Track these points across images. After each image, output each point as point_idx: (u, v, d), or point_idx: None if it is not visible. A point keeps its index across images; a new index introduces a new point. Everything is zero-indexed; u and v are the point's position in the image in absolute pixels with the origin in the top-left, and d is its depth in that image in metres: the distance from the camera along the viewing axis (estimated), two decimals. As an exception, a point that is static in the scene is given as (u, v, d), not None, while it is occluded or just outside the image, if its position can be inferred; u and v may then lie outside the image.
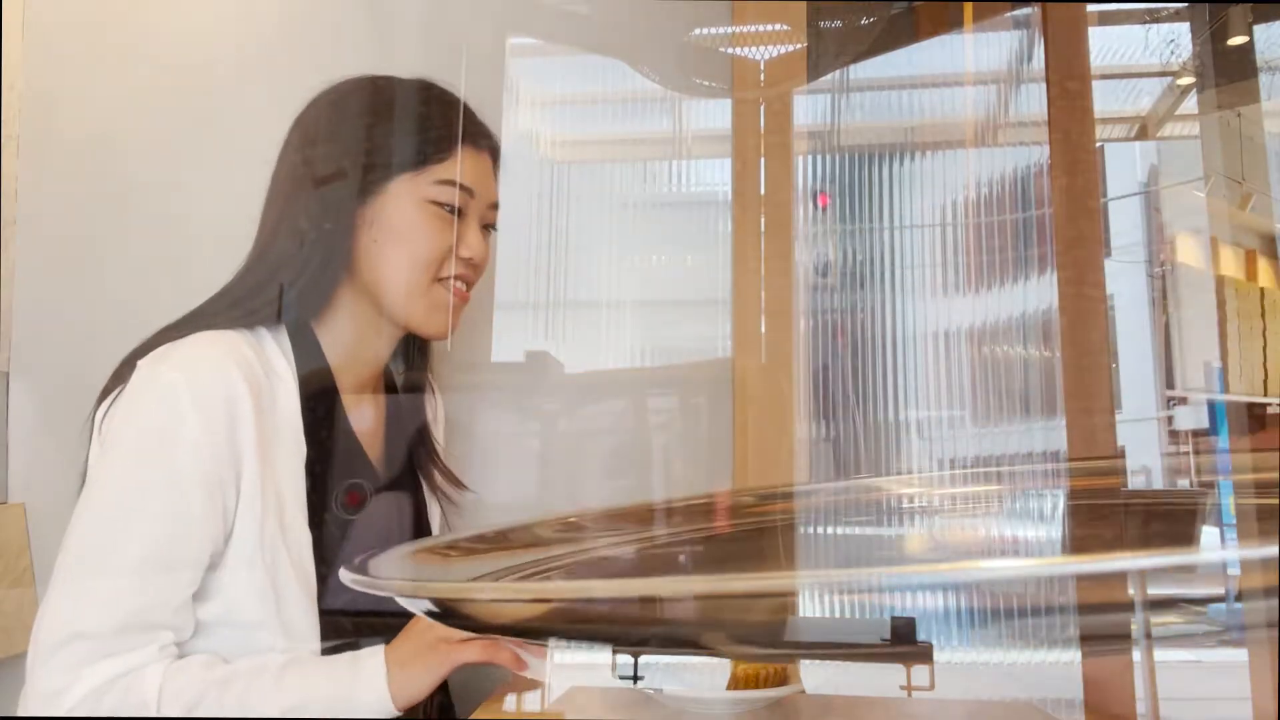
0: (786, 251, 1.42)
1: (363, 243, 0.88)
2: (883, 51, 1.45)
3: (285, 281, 0.86)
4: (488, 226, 0.96)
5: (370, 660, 0.80)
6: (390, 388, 1.00)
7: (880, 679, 0.85)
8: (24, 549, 1.21)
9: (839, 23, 1.46)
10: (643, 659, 0.88)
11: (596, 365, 1.47)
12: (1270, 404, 1.31)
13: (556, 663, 0.98)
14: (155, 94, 1.24)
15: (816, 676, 0.97)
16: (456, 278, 0.91)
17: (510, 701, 0.83)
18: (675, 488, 1.42)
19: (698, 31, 1.51)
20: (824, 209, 1.48)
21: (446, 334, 0.92)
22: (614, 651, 0.89)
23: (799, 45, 1.47)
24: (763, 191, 1.44)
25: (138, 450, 0.77)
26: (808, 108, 1.47)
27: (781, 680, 0.94)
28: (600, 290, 1.46)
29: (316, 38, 1.34)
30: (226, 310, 0.86)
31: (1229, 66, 1.34)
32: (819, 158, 1.49)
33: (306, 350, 0.87)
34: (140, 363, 0.80)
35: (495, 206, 0.96)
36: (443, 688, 0.89)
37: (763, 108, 1.46)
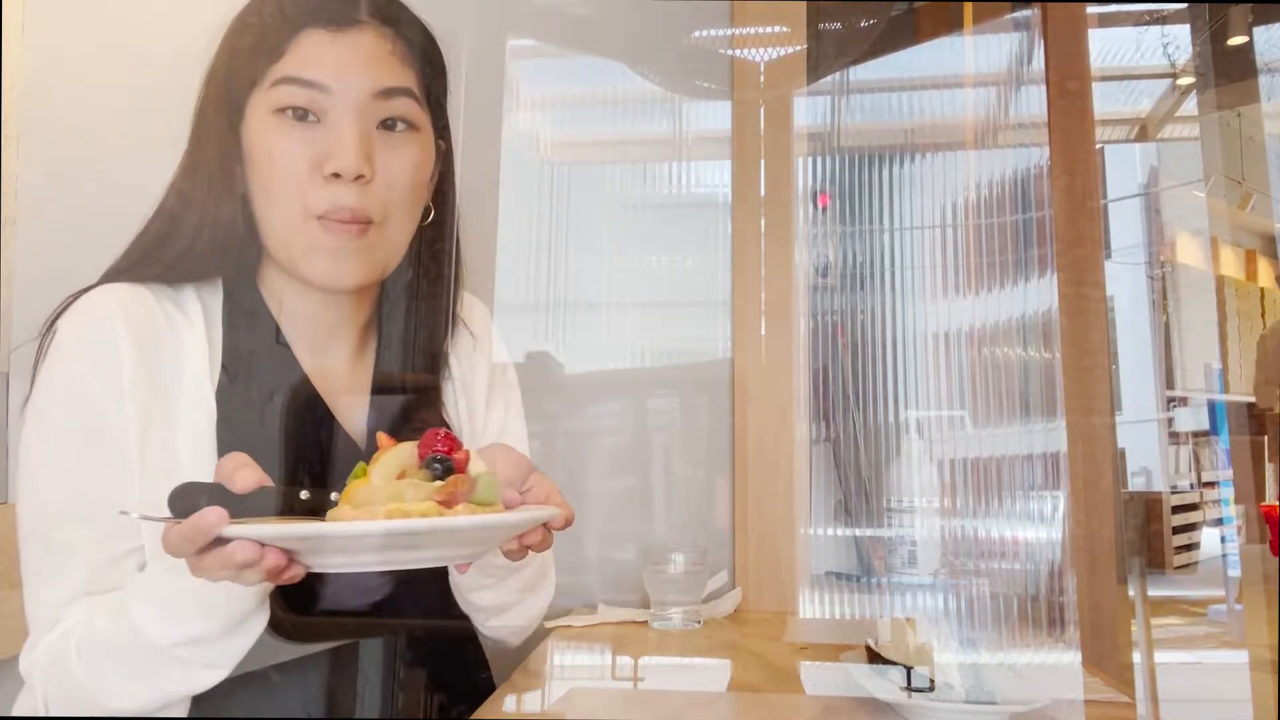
0: (786, 253, 1.42)
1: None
2: (883, 53, 1.45)
3: (203, 238, 0.75)
4: (390, 122, 0.74)
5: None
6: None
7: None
8: (24, 550, 1.21)
9: (839, 24, 1.46)
10: (642, 659, 0.89)
11: (597, 366, 1.47)
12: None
13: (557, 663, 0.98)
14: (156, 94, 1.24)
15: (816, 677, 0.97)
16: (338, 207, 0.71)
17: (510, 702, 0.83)
18: (675, 487, 1.42)
19: (698, 33, 1.52)
20: (824, 210, 1.48)
21: (337, 283, 0.74)
22: (614, 653, 0.89)
23: (799, 47, 1.47)
24: (763, 193, 1.44)
25: (46, 404, 0.74)
26: (808, 109, 1.48)
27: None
28: (600, 291, 1.46)
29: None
30: (137, 265, 0.76)
31: (1229, 67, 1.34)
32: (819, 159, 1.49)
33: (244, 307, 0.76)
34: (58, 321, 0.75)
35: (391, 93, 0.73)
36: (445, 685, 0.86)
37: (763, 109, 1.46)
